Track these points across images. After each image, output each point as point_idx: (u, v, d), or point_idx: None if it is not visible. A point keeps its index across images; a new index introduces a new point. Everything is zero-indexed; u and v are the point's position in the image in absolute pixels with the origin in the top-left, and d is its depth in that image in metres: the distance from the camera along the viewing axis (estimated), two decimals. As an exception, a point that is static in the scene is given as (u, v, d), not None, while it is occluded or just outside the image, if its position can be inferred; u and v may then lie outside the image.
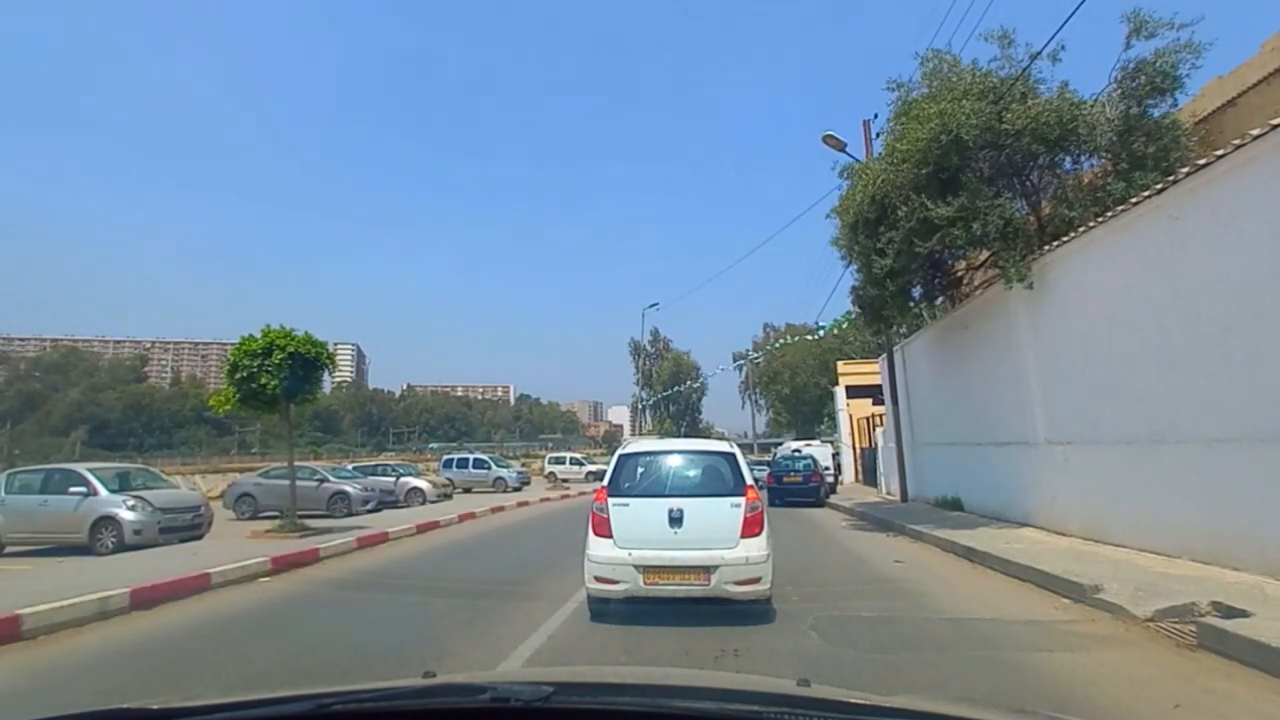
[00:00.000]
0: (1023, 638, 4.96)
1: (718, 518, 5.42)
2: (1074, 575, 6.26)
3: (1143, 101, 9.65)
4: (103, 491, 10.78)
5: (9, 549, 11.02)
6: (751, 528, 5.37)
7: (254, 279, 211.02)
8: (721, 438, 22.91)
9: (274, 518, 13.85)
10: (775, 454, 27.27)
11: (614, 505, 5.60)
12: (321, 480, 16.69)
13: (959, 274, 12.63)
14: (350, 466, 22.78)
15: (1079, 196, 10.23)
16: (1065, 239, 9.10)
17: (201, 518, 11.75)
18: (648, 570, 5.29)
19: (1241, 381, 6.25)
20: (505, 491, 25.20)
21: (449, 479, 24.31)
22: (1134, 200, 7.74)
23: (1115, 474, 8.17)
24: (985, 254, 11.24)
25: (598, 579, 5.43)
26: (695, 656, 4.52)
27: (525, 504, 19.57)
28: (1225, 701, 3.64)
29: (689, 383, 67.16)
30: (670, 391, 62.70)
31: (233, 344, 11.61)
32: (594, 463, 36.17)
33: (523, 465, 36.84)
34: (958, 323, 13.04)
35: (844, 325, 31.38)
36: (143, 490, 11.30)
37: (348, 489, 16.69)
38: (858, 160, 13.41)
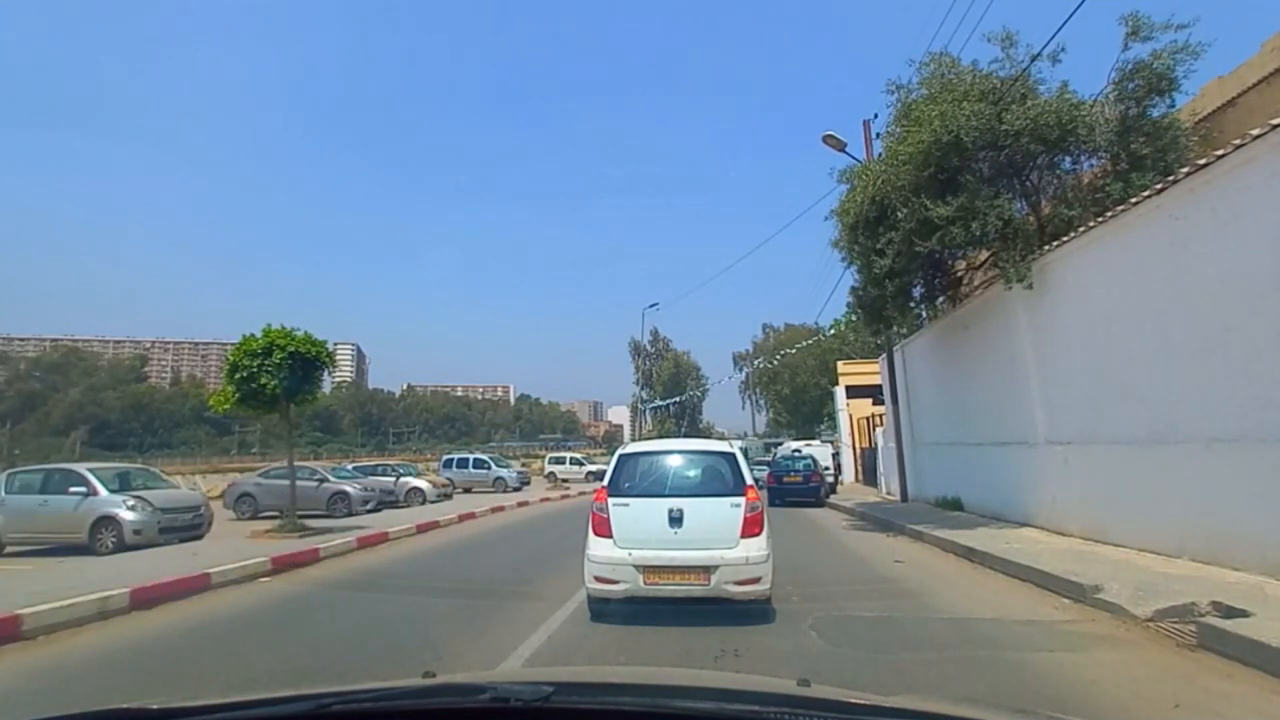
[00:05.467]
0: (1023, 637, 4.96)
1: (718, 518, 5.42)
2: (1074, 575, 6.26)
3: (1141, 102, 9.66)
4: (103, 491, 10.78)
5: (9, 549, 11.01)
6: (751, 528, 5.37)
7: (254, 279, 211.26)
8: (722, 438, 22.88)
9: (274, 518, 13.86)
10: (775, 454, 27.27)
11: (614, 505, 5.60)
12: (321, 480, 16.69)
13: (959, 274, 12.63)
14: (350, 466, 22.78)
15: (1079, 196, 10.23)
16: (1065, 239, 9.10)
17: (201, 518, 11.74)
18: (648, 570, 5.29)
19: (1241, 381, 6.24)
20: (505, 491, 25.20)
21: (449, 479, 24.31)
22: (1134, 200, 7.73)
23: (1115, 474, 8.17)
24: (985, 254, 11.25)
25: (598, 579, 5.43)
26: (695, 656, 4.52)
27: (525, 504, 19.56)
28: (1225, 701, 3.64)
29: (690, 387, 67.01)
30: (673, 402, 62.56)
31: (233, 344, 11.61)
32: (594, 463, 36.15)
33: (523, 465, 36.83)
34: (958, 323, 13.04)
35: (844, 325, 31.40)
36: (143, 490, 11.29)
37: (347, 489, 16.69)
38: (858, 160, 13.42)
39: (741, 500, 5.46)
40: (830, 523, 13.85)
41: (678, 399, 62.81)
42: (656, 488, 5.74)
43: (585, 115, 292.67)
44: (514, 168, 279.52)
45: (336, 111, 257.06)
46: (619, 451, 6.39)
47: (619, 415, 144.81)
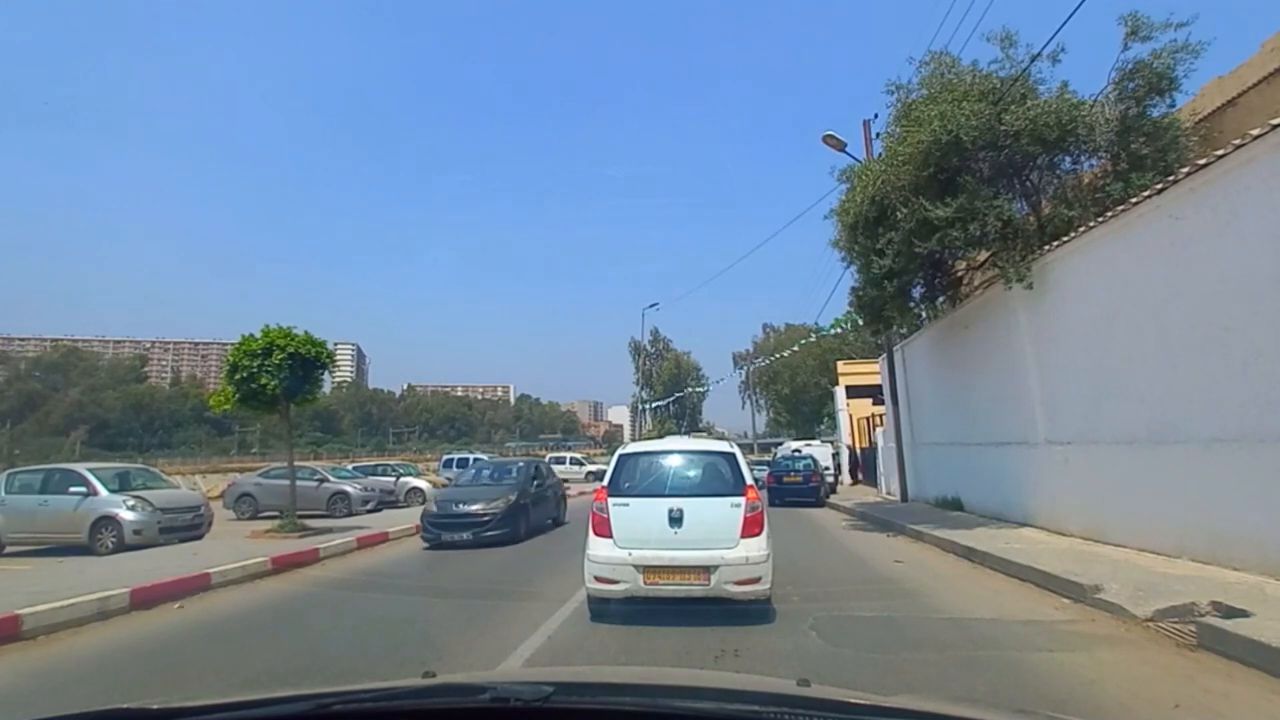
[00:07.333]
0: (1023, 637, 4.96)
1: (718, 518, 5.42)
2: (1074, 575, 6.26)
3: (1141, 102, 9.65)
4: (103, 491, 10.78)
5: (9, 549, 11.02)
6: (751, 527, 5.37)
7: (254, 279, 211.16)
8: (722, 438, 22.89)
9: (274, 518, 13.85)
10: (775, 454, 27.27)
11: (614, 505, 5.61)
12: (321, 480, 16.70)
13: (959, 274, 12.63)
14: (350, 466, 22.80)
15: (1078, 196, 10.23)
16: (1065, 239, 9.10)
17: (202, 518, 11.75)
18: (648, 570, 5.29)
19: (1241, 381, 6.24)
20: (505, 491, 25.16)
21: (449, 479, 24.32)
22: (1134, 200, 7.73)
23: (1115, 474, 8.17)
24: (985, 254, 11.24)
25: (598, 579, 5.43)
26: (695, 656, 4.52)
27: (525, 504, 19.53)
28: (1225, 701, 3.64)
29: (691, 388, 67.00)
30: (672, 400, 62.53)
31: (233, 344, 11.60)
32: (594, 463, 36.13)
33: (523, 465, 36.71)
34: (958, 323, 13.04)
35: (844, 325, 31.39)
36: (143, 490, 11.30)
37: (348, 489, 16.70)
38: (858, 160, 13.42)
39: (741, 500, 5.47)
40: (830, 523, 13.85)
41: (678, 395, 62.78)
42: (656, 488, 5.75)
43: (586, 116, 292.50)
44: (514, 168, 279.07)
45: (337, 112, 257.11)
46: (619, 451, 6.40)
47: (619, 415, 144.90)
